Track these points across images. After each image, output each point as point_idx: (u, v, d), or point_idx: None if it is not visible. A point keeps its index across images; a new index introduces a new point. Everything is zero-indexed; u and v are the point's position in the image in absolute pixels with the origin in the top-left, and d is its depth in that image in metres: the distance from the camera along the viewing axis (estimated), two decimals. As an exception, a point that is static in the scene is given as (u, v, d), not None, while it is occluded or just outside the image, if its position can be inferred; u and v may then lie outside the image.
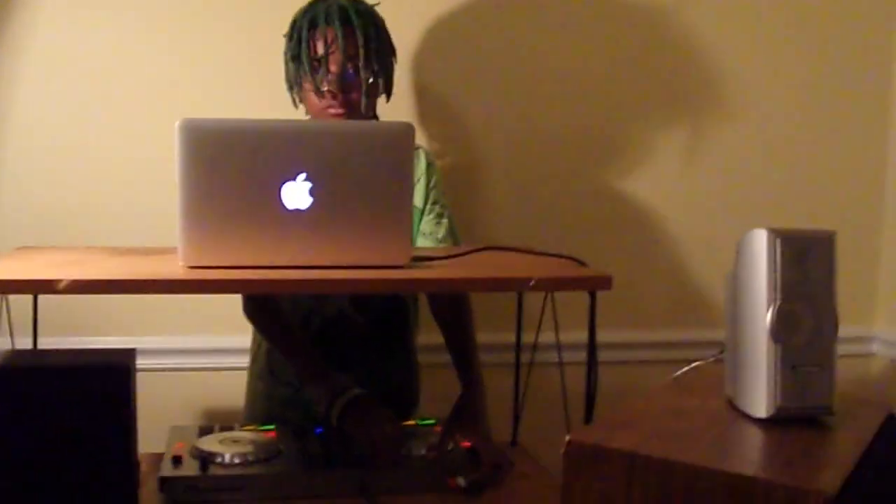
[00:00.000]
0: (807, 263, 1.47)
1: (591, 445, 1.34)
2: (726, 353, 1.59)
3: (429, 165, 2.35)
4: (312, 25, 2.22)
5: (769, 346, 1.46)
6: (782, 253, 1.45)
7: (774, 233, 1.46)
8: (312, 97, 2.22)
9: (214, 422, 2.28)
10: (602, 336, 1.83)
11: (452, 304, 2.33)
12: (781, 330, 1.45)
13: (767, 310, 1.46)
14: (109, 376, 1.68)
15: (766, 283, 1.46)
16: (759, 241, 1.47)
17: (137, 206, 2.64)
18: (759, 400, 1.47)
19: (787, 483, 1.21)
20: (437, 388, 2.45)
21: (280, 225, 1.72)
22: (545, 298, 2.03)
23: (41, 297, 2.05)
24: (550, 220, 2.86)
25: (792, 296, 1.46)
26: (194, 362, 2.72)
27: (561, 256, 1.92)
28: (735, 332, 1.54)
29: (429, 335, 2.46)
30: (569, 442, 1.35)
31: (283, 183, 1.71)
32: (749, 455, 1.41)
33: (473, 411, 2.17)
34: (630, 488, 1.30)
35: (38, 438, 1.65)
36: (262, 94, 2.48)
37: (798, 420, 1.47)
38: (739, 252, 1.52)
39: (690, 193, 2.94)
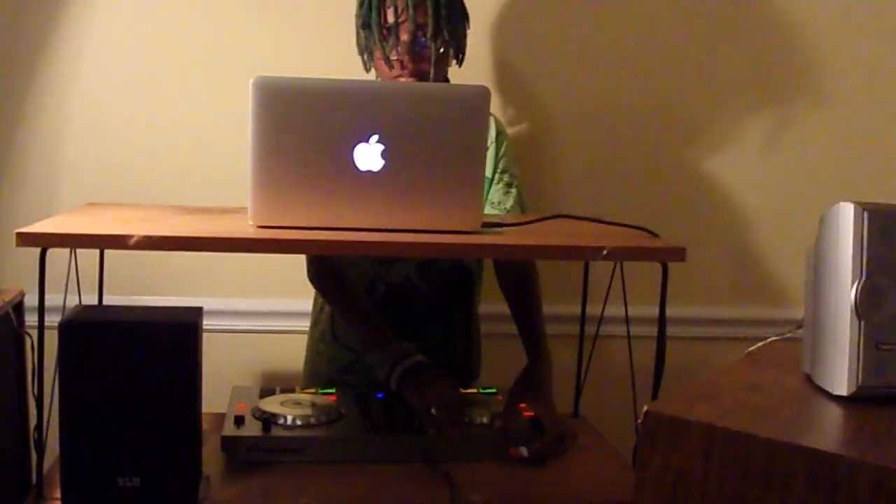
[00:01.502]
0: (894, 238, 1.42)
1: (670, 417, 1.31)
2: (805, 329, 1.55)
3: (499, 134, 2.32)
4: None
5: (852, 323, 1.42)
6: (869, 227, 1.41)
7: (861, 206, 1.41)
8: (382, 65, 2.20)
9: (273, 384, 2.28)
10: (670, 311, 1.80)
11: (520, 274, 2.31)
12: (865, 306, 1.41)
13: (852, 285, 1.42)
14: (177, 333, 1.68)
15: (852, 258, 1.42)
16: (846, 215, 1.42)
17: (205, 165, 2.65)
18: (840, 377, 1.43)
19: (874, 461, 1.18)
20: (499, 358, 2.43)
21: (351, 186, 1.71)
22: (614, 269, 2.00)
23: (106, 256, 2.05)
24: (622, 192, 2.82)
25: (877, 271, 1.41)
26: (255, 324, 2.73)
27: (633, 227, 1.89)
28: (816, 308, 1.50)
29: (492, 304, 2.44)
30: (646, 413, 1.32)
31: (356, 144, 1.70)
32: (831, 432, 1.38)
33: (538, 381, 2.15)
34: (708, 461, 1.27)
35: (104, 392, 1.65)
36: (334, 55, 2.46)
37: (879, 399, 1.43)
38: (823, 226, 1.48)
39: (768, 174, 2.88)
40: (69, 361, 1.64)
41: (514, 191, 2.29)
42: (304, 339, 2.46)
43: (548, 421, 2.02)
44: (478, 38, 2.60)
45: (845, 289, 1.42)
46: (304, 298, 2.45)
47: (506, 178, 2.30)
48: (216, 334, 2.54)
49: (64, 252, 1.73)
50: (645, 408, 1.33)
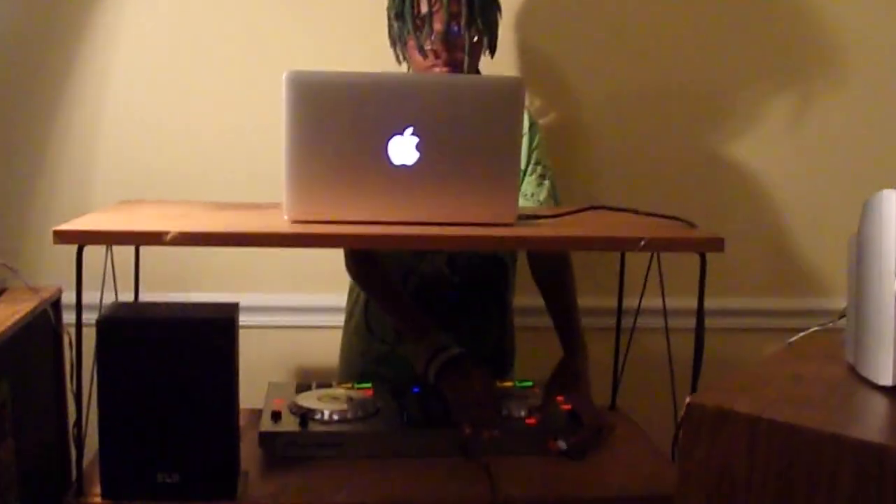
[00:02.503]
0: (938, 226, 1.40)
1: (713, 408, 1.29)
2: (847, 319, 1.53)
3: (532, 125, 2.31)
4: None
5: (896, 313, 1.40)
6: (913, 215, 1.39)
7: (906, 194, 1.40)
8: (416, 55, 2.19)
9: (309, 379, 2.28)
10: (708, 303, 1.78)
11: (554, 266, 2.30)
12: (910, 295, 1.39)
13: (896, 274, 1.40)
14: (214, 329, 1.68)
15: None
16: (889, 203, 1.40)
17: (238, 161, 2.66)
18: (885, 367, 1.41)
19: (922, 451, 1.16)
20: (535, 351, 2.42)
21: (386, 180, 1.71)
22: (650, 260, 1.98)
23: (141, 253, 2.05)
24: (654, 181, 2.81)
25: (922, 260, 1.40)
26: (290, 320, 2.73)
27: (670, 217, 1.88)
28: (859, 297, 1.48)
29: (525, 297, 2.43)
30: (689, 404, 1.31)
31: (391, 137, 1.69)
32: (876, 423, 1.36)
33: (575, 374, 2.15)
34: (753, 453, 1.26)
35: (142, 389, 1.65)
36: (367, 47, 2.45)
37: (925, 388, 1.41)
38: (866, 214, 1.46)
39: (800, 160, 2.86)
40: (107, 358, 1.65)
41: (546, 182, 2.28)
42: (340, 333, 2.46)
43: (585, 413, 2.01)
44: (507, 28, 2.59)
45: (889, 278, 1.40)
46: (338, 293, 2.45)
47: (539, 169, 2.29)
48: (251, 330, 2.54)
49: (99, 250, 1.72)
50: (687, 399, 1.32)
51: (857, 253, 1.48)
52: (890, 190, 1.40)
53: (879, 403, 1.39)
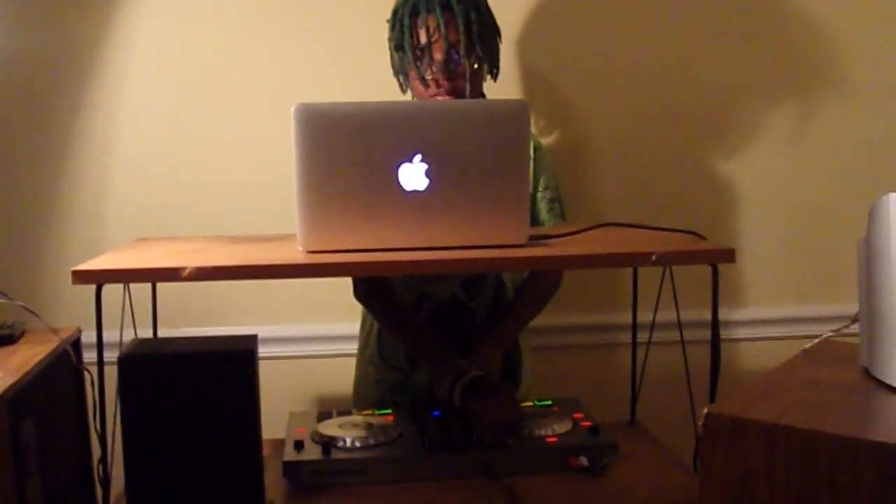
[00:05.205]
0: (945, 227, 1.42)
1: (731, 417, 1.31)
2: (861, 323, 1.54)
3: (535, 149, 2.33)
4: (414, 13, 2.21)
5: (909, 314, 1.41)
6: (920, 216, 1.41)
7: (911, 196, 1.41)
8: (418, 85, 2.22)
9: (328, 407, 2.29)
10: (721, 314, 1.80)
11: (541, 281, 2.35)
12: (920, 296, 1.41)
13: (905, 276, 1.41)
14: (235, 361, 1.70)
15: (904, 248, 1.41)
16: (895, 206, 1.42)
17: (250, 194, 2.68)
18: (900, 369, 1.42)
19: (941, 450, 1.18)
20: (541, 370, 2.43)
21: (397, 207, 1.73)
22: (663, 275, 2.00)
23: (157, 290, 2.07)
24: (661, 195, 2.82)
25: (931, 260, 1.41)
26: (306, 349, 2.74)
27: (679, 231, 1.89)
28: (870, 300, 1.49)
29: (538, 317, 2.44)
30: (707, 414, 1.32)
31: (400, 164, 1.71)
32: (894, 424, 1.37)
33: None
34: (772, 460, 1.27)
35: (166, 423, 1.67)
36: (370, 79, 2.47)
37: (940, 389, 1.42)
38: (873, 218, 1.47)
39: (804, 167, 2.86)
40: (130, 395, 1.67)
41: (556, 205, 2.31)
42: (354, 361, 2.47)
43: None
44: (508, 50, 2.61)
45: (899, 280, 1.41)
46: (352, 322, 2.46)
47: (548, 193, 2.32)
48: (269, 361, 2.56)
49: (115, 288, 1.74)
50: (705, 409, 1.33)
51: (867, 256, 1.49)
52: (894, 193, 1.42)
53: (895, 405, 1.40)
